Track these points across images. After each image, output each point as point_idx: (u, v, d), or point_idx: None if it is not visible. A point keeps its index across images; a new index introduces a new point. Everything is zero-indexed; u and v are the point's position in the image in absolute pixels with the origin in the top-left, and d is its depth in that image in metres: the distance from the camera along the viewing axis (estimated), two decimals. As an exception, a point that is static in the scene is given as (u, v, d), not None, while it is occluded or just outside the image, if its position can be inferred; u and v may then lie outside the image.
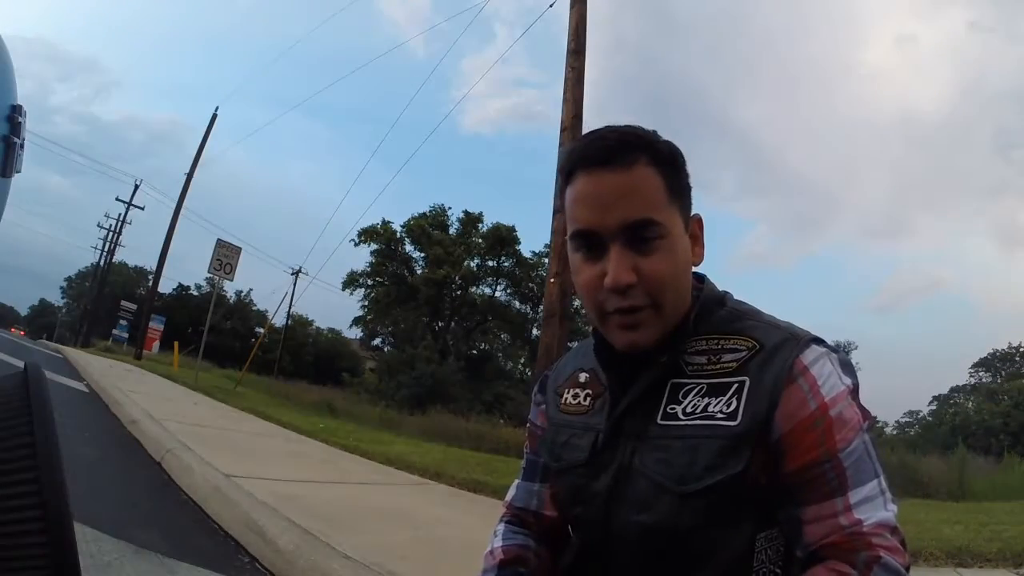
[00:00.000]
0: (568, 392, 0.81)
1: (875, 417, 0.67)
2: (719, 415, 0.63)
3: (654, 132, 0.70)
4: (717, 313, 0.71)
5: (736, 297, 0.76)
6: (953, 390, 32.91)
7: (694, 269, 0.74)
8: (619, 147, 0.66)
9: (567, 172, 0.69)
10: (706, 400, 0.65)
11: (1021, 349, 32.34)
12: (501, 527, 0.88)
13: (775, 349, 0.65)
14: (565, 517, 0.81)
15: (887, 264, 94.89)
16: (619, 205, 0.64)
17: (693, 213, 0.72)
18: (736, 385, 0.64)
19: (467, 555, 2.71)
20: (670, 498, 0.64)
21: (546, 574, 0.82)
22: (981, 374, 33.39)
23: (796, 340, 0.65)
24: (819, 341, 0.66)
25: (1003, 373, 31.99)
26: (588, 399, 0.77)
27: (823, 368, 0.64)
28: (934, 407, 32.22)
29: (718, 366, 0.66)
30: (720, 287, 0.76)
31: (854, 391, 0.65)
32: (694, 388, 0.66)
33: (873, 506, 0.60)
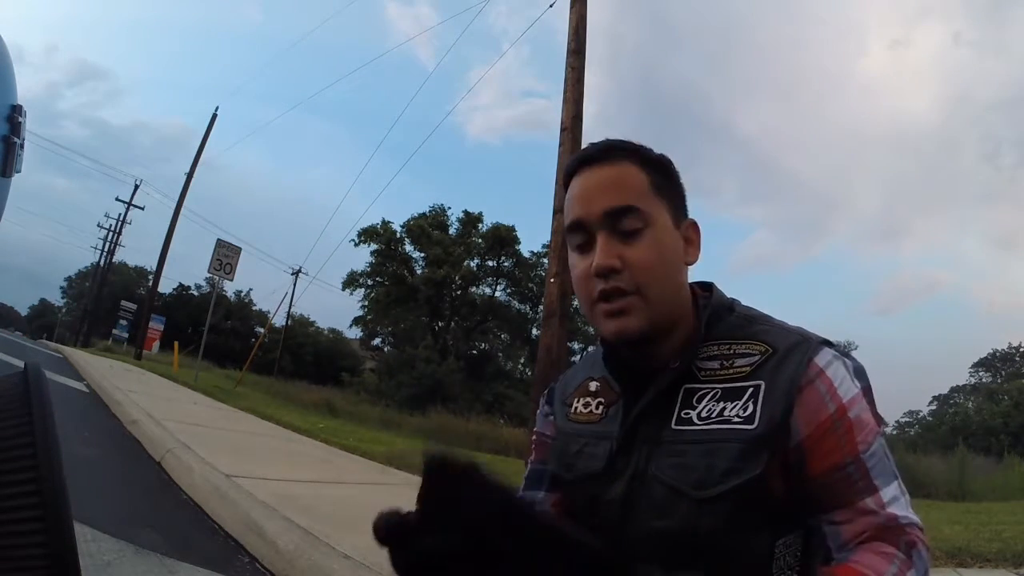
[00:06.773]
0: (578, 401, 0.80)
1: (885, 422, 0.67)
2: (736, 419, 0.63)
3: (645, 145, 0.75)
4: (727, 319, 0.72)
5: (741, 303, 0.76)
6: (953, 390, 32.96)
7: (703, 279, 0.76)
8: (608, 148, 0.72)
9: (567, 177, 0.74)
10: (721, 404, 0.65)
11: (1021, 349, 32.34)
12: None
13: (788, 352, 0.65)
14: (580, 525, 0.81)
15: (886, 267, 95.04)
16: (603, 195, 0.69)
17: (689, 218, 0.74)
18: (751, 389, 0.64)
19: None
20: (688, 503, 0.64)
21: None
22: (981, 374, 33.40)
23: (808, 342, 0.66)
24: (829, 344, 0.67)
25: (1003, 373, 31.96)
26: (600, 407, 0.77)
27: (837, 371, 0.64)
28: (934, 407, 32.32)
29: (731, 371, 0.67)
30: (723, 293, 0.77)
31: (868, 394, 0.65)
32: (708, 393, 0.66)
33: (899, 506, 0.61)
